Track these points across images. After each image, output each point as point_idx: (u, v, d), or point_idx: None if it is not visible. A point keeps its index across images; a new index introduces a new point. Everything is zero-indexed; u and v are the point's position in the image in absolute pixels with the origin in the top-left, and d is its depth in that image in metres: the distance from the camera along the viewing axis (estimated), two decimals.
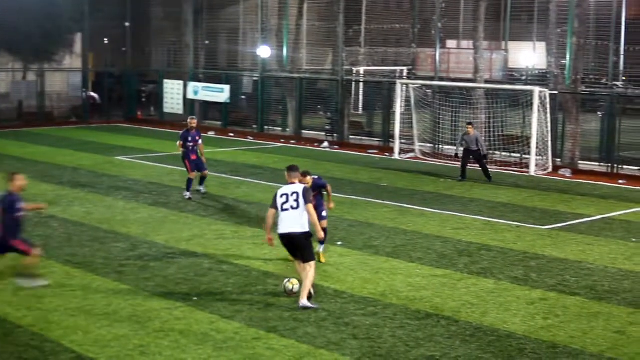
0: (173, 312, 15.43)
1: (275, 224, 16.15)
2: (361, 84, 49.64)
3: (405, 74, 49.84)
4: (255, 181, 30.26)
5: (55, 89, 52.18)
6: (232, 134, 45.22)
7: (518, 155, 35.96)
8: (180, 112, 49.62)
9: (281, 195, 15.95)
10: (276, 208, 15.99)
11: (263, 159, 36.22)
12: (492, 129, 36.22)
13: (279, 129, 47.02)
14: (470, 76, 41.07)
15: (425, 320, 15.28)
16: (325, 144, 41.79)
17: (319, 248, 19.00)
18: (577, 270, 18.95)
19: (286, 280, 16.58)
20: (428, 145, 38.49)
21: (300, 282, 16.08)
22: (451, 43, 56.25)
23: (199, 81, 49.35)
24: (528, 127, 34.93)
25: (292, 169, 16.39)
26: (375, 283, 17.53)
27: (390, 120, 40.01)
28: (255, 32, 48.33)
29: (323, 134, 44.35)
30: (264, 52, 46.28)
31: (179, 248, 20.23)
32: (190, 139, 26.97)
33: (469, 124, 32.29)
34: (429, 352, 13.71)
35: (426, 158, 37.18)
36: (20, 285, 16.63)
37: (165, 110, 50.41)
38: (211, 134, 45.42)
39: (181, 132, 27.47)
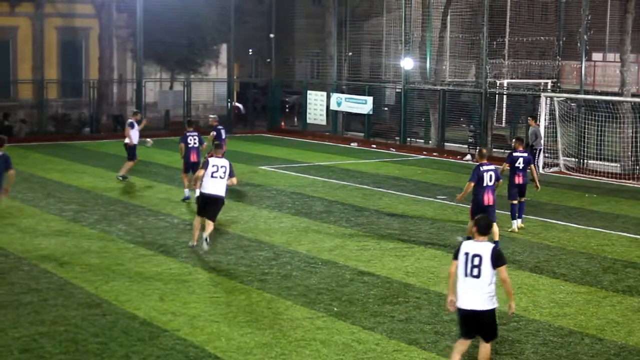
0: (315, 322, 15.56)
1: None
2: (504, 97, 49.21)
3: (549, 86, 49.22)
4: (398, 193, 30.22)
5: (201, 99, 53.27)
6: (374, 145, 45.33)
7: None
8: (323, 122, 50.01)
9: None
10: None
11: (405, 171, 36.18)
12: (639, 144, 35.48)
13: (422, 141, 46.91)
14: (616, 89, 40.28)
15: (569, 337, 15.05)
16: (468, 157, 41.47)
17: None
18: None
19: None
20: (572, 159, 37.86)
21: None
22: (597, 56, 55.37)
23: (342, 92, 49.59)
24: None
25: None
26: (517, 298, 17.27)
27: None
28: (398, 44, 48.34)
29: (466, 146, 44.05)
30: (407, 63, 46.29)
31: (321, 258, 20.37)
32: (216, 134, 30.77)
33: (531, 117, 35.90)
34: None
35: (570, 172, 36.59)
36: None
37: (309, 121, 50.83)
38: (354, 145, 45.75)
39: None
